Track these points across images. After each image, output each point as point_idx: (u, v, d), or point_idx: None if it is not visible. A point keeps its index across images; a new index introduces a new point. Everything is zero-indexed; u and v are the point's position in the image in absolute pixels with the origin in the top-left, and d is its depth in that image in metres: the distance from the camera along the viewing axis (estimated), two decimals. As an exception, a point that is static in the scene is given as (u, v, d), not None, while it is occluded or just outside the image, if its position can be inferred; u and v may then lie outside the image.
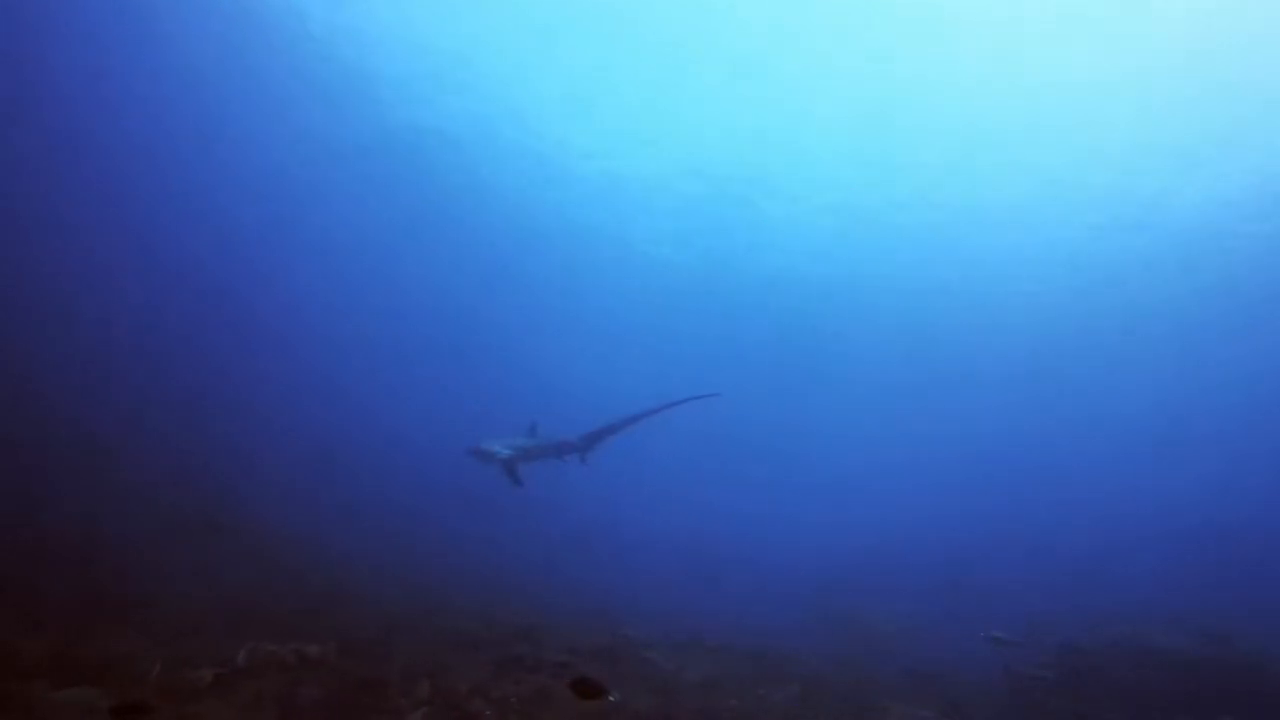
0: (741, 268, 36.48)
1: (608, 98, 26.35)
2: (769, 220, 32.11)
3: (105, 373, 28.09)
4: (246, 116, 28.85)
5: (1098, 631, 10.92)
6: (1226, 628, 10.46)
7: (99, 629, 7.29)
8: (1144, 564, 24.93)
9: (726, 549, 26.78)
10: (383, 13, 22.83)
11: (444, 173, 32.24)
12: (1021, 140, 24.81)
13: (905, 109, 24.58)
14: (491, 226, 36.79)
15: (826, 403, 48.11)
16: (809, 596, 18.07)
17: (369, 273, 43.14)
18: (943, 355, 40.19)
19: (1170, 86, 21.29)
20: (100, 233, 36.08)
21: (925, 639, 14.54)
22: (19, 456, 13.40)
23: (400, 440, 34.16)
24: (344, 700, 7.13)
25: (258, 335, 44.47)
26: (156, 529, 12.55)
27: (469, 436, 11.62)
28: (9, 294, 29.21)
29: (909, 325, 37.89)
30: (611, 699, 7.08)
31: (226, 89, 27.11)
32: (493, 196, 33.86)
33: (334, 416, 39.29)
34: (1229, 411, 37.10)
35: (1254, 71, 19.98)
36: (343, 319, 47.69)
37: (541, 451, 11.55)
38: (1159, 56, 20.59)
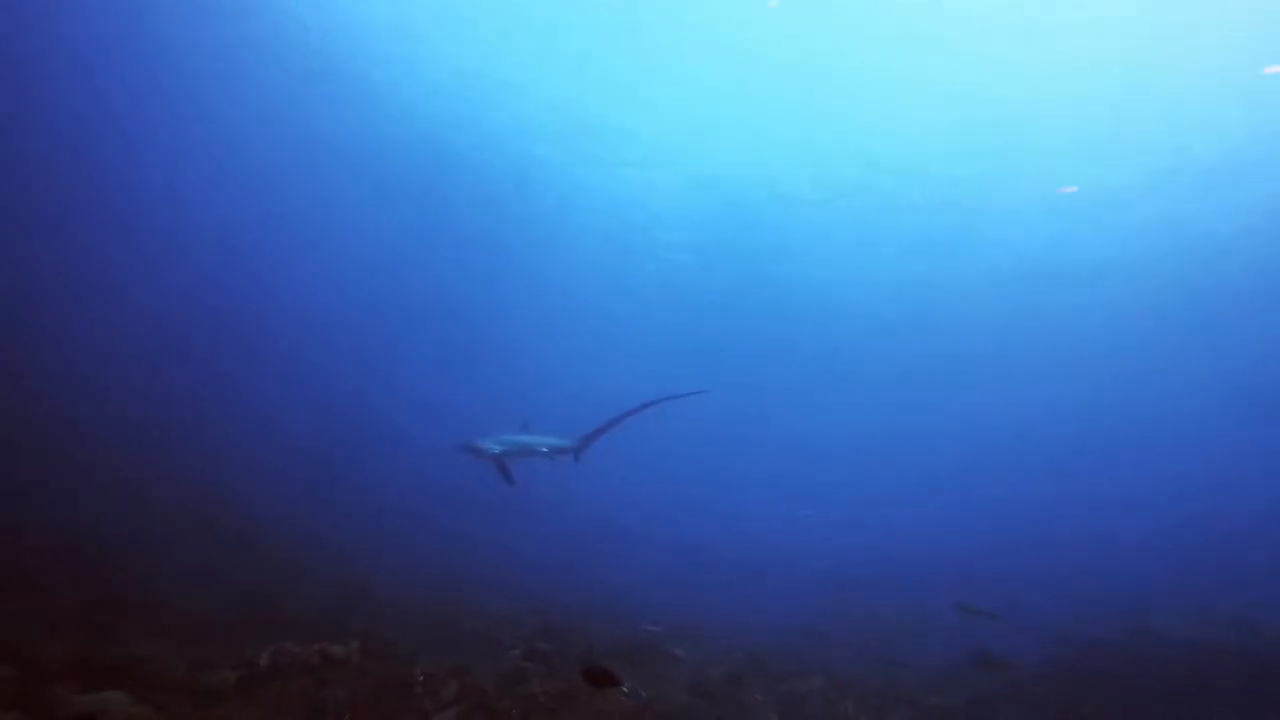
0: (750, 267, 36.25)
1: (615, 94, 26.09)
2: (779, 219, 32.02)
3: (110, 374, 28.03)
4: (244, 116, 28.62)
5: (1122, 622, 10.78)
6: (1256, 617, 10.33)
7: (119, 631, 7.15)
8: (1169, 555, 24.80)
9: (739, 546, 26.76)
10: (384, 12, 22.68)
11: (446, 175, 32.11)
12: (1029, 137, 24.64)
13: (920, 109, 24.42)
14: (494, 227, 36.64)
15: (836, 401, 47.97)
16: (826, 592, 17.95)
17: (374, 274, 42.94)
18: (951, 353, 40.03)
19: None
20: (101, 235, 36.01)
21: (944, 632, 14.41)
22: (29, 459, 13.27)
23: (406, 442, 34.14)
24: (370, 701, 7.01)
25: (260, 337, 44.42)
26: (168, 531, 12.43)
27: (469, 436, 11.58)
28: (13, 297, 29.13)
29: (918, 323, 37.65)
30: (625, 690, 6.97)
31: (223, 88, 26.90)
32: (494, 195, 33.70)
33: (339, 418, 39.29)
34: (1252, 398, 36.90)
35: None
36: (346, 321, 47.58)
37: (532, 449, 11.54)
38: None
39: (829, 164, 27.83)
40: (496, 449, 11.08)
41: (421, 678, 7.73)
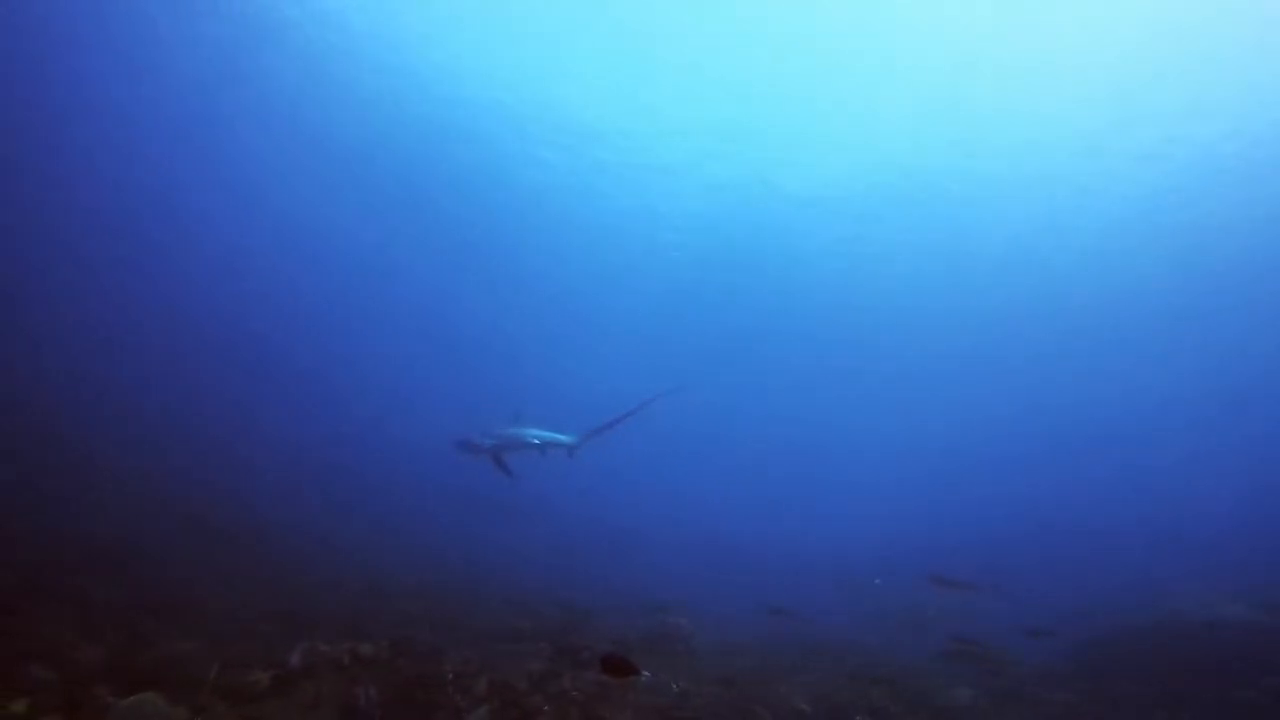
0: (748, 265, 36.10)
1: (610, 93, 25.95)
2: (779, 216, 31.87)
3: (122, 381, 28.19)
4: (239, 119, 28.43)
5: (1157, 606, 10.68)
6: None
7: (151, 633, 7.16)
8: (1200, 538, 24.63)
9: (752, 541, 26.72)
10: (382, 6, 22.47)
11: (445, 170, 31.89)
12: (1030, 124, 24.39)
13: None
14: (484, 226, 36.51)
15: (839, 397, 47.73)
16: (843, 585, 17.88)
17: (372, 278, 42.87)
18: (960, 344, 39.80)
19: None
20: (101, 241, 35.92)
21: (970, 623, 14.31)
22: (56, 468, 13.36)
23: (410, 444, 34.15)
24: (403, 699, 7.00)
25: (259, 343, 44.36)
26: (190, 535, 12.48)
27: (463, 431, 11.64)
28: (35, 310, 29.30)
29: (927, 314, 37.40)
30: (644, 677, 6.92)
31: (217, 92, 26.69)
32: (485, 195, 33.55)
33: (340, 421, 39.35)
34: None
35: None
36: (344, 325, 47.62)
37: (526, 442, 11.54)
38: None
39: (829, 162, 27.84)
40: (488, 443, 11.21)
41: (451, 675, 7.72)
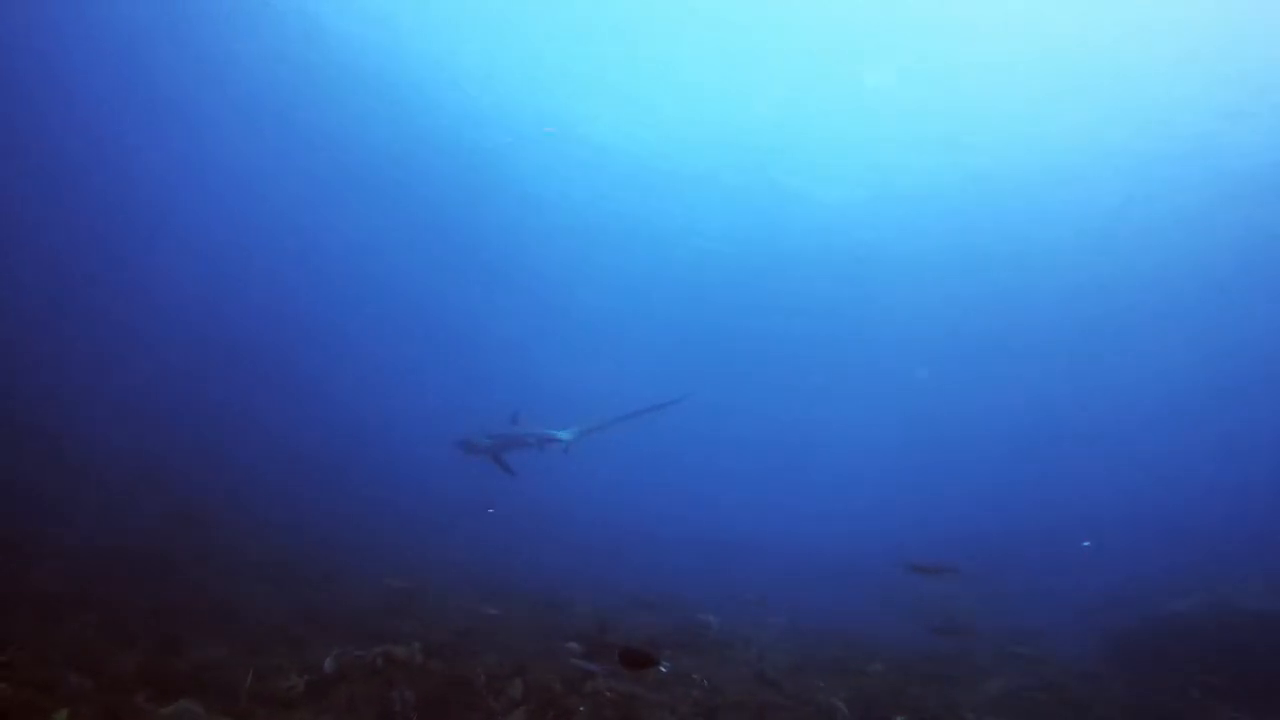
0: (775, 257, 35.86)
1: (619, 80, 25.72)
2: (780, 213, 31.68)
3: (125, 384, 28.20)
4: (231, 121, 28.34)
5: (1191, 597, 10.47)
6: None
7: (184, 641, 7.10)
8: (1236, 527, 24.28)
9: (774, 539, 26.53)
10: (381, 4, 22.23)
11: (446, 174, 31.79)
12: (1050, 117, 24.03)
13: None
14: (495, 224, 36.45)
15: (848, 392, 47.43)
16: (870, 577, 17.67)
17: (376, 276, 42.80)
18: (976, 332, 39.47)
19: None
20: (97, 243, 35.80)
21: (999, 615, 14.13)
22: (74, 476, 13.37)
23: (417, 450, 34.02)
24: (438, 702, 6.91)
25: (257, 345, 44.14)
26: (205, 538, 12.46)
27: (463, 431, 11.90)
28: (54, 318, 29.31)
29: (949, 301, 37.06)
30: (663, 668, 6.80)
31: (206, 92, 26.64)
32: (491, 193, 33.45)
33: (344, 426, 39.26)
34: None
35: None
36: (344, 328, 47.60)
37: (522, 440, 11.79)
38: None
39: (830, 158, 27.63)
40: (487, 442, 11.47)
41: (484, 677, 7.62)
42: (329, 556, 14.03)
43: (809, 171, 28.57)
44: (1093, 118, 23.41)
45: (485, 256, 39.79)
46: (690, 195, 31.92)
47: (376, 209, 35.57)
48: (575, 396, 32.51)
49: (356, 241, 39.09)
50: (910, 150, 26.58)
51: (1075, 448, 43.15)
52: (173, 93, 26.88)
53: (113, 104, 27.73)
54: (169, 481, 16.13)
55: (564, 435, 11.90)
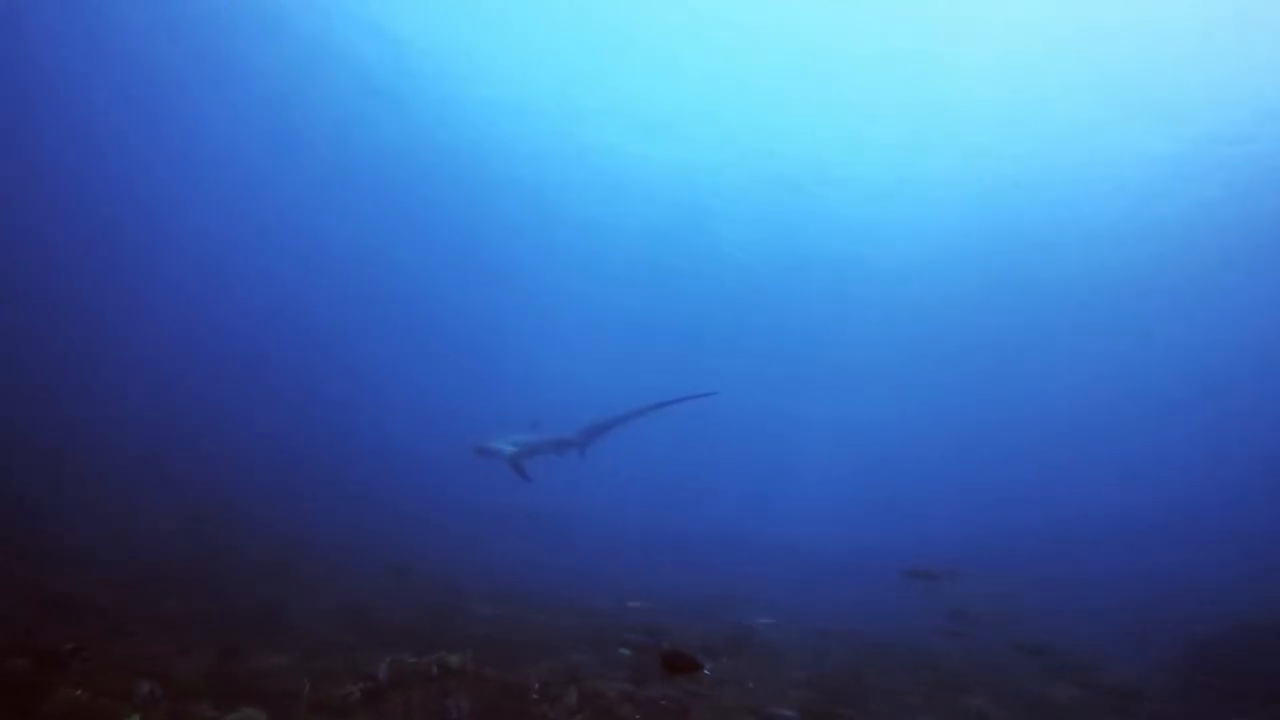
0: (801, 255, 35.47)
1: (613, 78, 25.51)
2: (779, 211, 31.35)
3: (140, 389, 28.59)
4: (229, 120, 28.17)
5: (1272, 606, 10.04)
6: None
7: (241, 647, 7.14)
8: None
9: (811, 542, 26.21)
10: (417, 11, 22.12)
11: (449, 174, 31.71)
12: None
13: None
14: (496, 224, 36.40)
15: (864, 390, 46.80)
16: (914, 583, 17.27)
17: (386, 281, 42.86)
18: (987, 329, 38.80)
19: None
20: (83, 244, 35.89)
21: (1053, 620, 13.73)
22: (98, 481, 13.61)
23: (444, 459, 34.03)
24: (494, 710, 6.85)
25: (258, 350, 44.40)
26: (264, 551, 12.59)
27: (482, 438, 11.86)
28: (91, 335, 29.82)
29: (944, 304, 36.50)
30: (707, 671, 6.68)
31: (203, 93, 26.40)
32: (494, 192, 33.40)
33: (361, 434, 39.50)
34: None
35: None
36: (365, 335, 47.85)
37: (543, 447, 11.77)
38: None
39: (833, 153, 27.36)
40: (509, 449, 11.37)
41: (537, 685, 7.55)
42: (368, 564, 14.09)
43: (815, 172, 28.33)
44: (1089, 117, 23.20)
45: (490, 257, 39.59)
46: (696, 198, 31.76)
47: (388, 211, 35.52)
48: (582, 397, 32.55)
49: (372, 246, 39.02)
50: (909, 152, 26.37)
51: (1085, 445, 42.43)
52: (174, 92, 26.64)
53: (115, 104, 27.52)
54: (190, 487, 16.25)
55: (578, 439, 11.89)
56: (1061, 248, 29.87)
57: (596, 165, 29.93)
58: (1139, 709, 8.88)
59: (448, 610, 10.80)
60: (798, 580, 18.88)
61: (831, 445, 50.29)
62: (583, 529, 24.01)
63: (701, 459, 46.81)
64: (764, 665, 9.55)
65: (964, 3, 20.19)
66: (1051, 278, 32.19)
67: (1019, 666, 10.05)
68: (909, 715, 7.88)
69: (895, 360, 42.30)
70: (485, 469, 12.21)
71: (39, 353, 27.92)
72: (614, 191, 31.86)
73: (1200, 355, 35.25)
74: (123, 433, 21.22)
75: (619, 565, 18.55)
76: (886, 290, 36.25)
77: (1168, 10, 18.89)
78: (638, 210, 33.09)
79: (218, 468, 20.45)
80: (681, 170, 29.53)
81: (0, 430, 16.06)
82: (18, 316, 29.03)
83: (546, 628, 10.54)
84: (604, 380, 43.05)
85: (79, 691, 4.35)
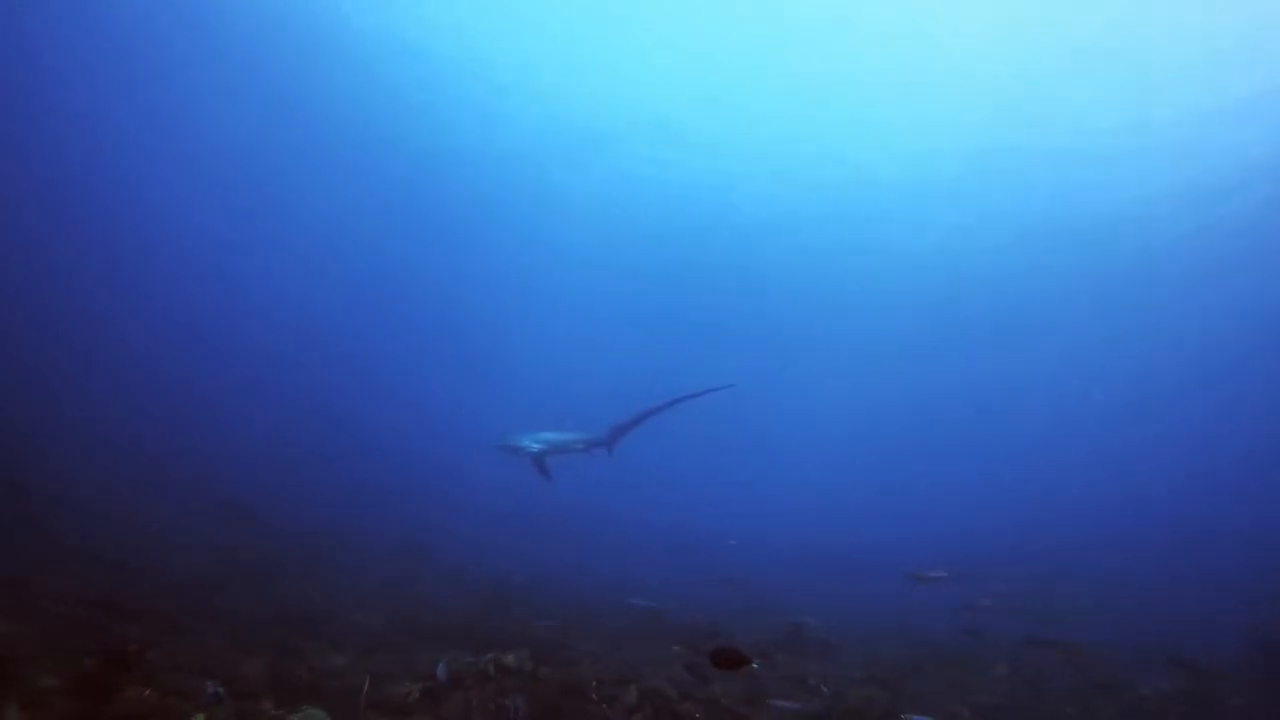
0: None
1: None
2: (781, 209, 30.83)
3: (166, 390, 28.87)
4: (235, 117, 27.78)
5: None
6: None
7: (301, 646, 7.10)
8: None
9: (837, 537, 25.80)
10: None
11: (445, 168, 31.53)
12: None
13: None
14: (491, 228, 36.25)
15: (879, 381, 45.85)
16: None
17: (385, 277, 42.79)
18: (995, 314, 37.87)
19: None
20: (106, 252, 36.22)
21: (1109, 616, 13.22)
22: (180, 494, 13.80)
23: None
24: (553, 710, 6.71)
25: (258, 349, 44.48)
26: (315, 551, 12.67)
27: (507, 435, 11.95)
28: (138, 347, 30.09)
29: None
30: (756, 666, 6.47)
31: (210, 88, 26.00)
32: (492, 193, 33.28)
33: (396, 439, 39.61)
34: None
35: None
36: (389, 341, 47.89)
37: (568, 445, 11.81)
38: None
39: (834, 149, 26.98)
40: (535, 447, 11.48)
41: (594, 683, 7.41)
42: (413, 562, 14.15)
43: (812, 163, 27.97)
44: (1086, 114, 23.04)
45: (505, 258, 39.41)
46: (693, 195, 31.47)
47: (399, 209, 35.47)
48: (593, 393, 32.36)
49: (387, 249, 38.86)
50: (898, 140, 26.13)
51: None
52: (181, 92, 26.29)
53: (118, 105, 27.38)
54: (214, 485, 16.31)
55: (605, 439, 11.84)
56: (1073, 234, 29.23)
57: (603, 163, 29.83)
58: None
59: (496, 609, 10.74)
60: (823, 579, 18.51)
61: (831, 444, 49.46)
62: (606, 529, 23.84)
63: (700, 460, 46.23)
64: (819, 661, 9.30)
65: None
66: (1060, 265, 31.48)
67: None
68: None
69: (902, 351, 41.53)
70: (508, 469, 12.22)
71: (55, 356, 28.24)
72: (620, 188, 31.73)
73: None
74: (139, 433, 21.47)
75: (641, 563, 18.39)
76: (891, 280, 35.70)
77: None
78: (641, 210, 32.94)
79: (235, 467, 20.57)
80: (686, 170, 29.32)
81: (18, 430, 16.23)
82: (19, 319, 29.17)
83: (595, 626, 10.41)
84: (611, 376, 42.76)
85: (147, 691, 4.31)
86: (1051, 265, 31.28)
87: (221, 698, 5.10)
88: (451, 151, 30.09)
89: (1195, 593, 16.43)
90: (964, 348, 39.91)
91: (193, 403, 31.86)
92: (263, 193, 34.01)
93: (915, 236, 31.70)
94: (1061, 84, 22.07)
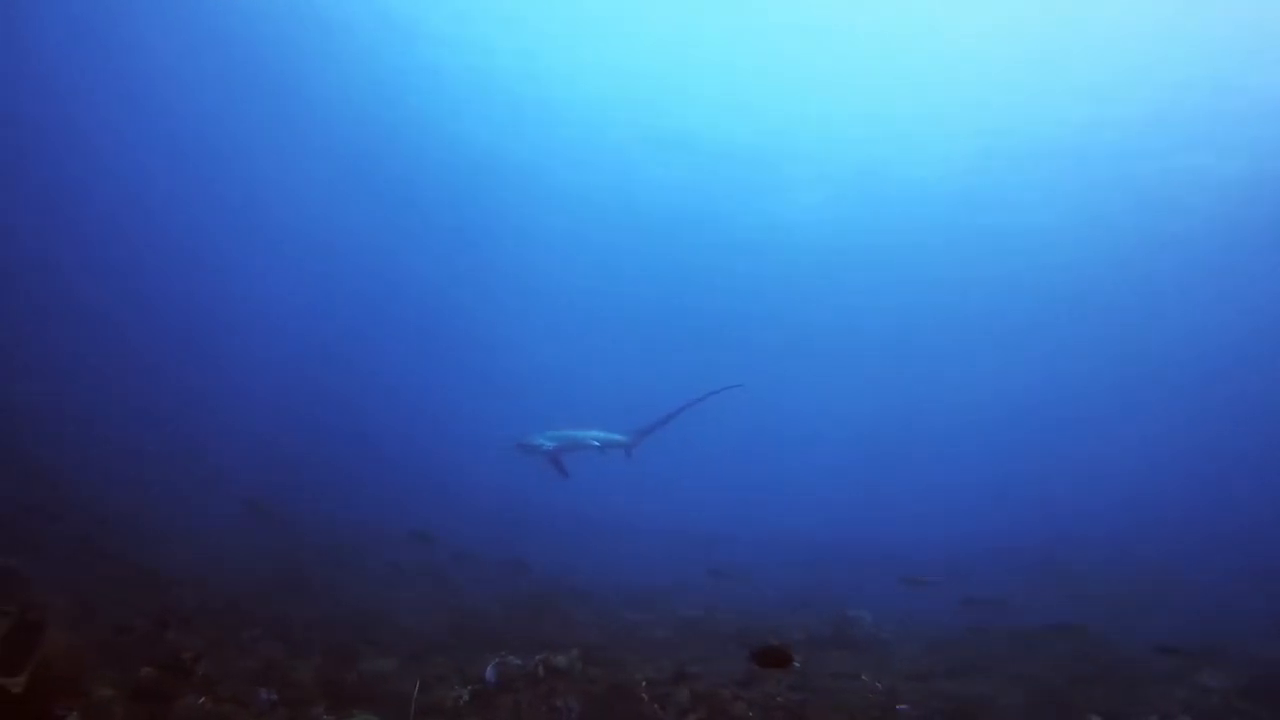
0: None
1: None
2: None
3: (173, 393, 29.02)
4: (226, 113, 27.75)
5: None
6: None
7: (350, 651, 7.11)
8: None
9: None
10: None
11: (446, 169, 31.50)
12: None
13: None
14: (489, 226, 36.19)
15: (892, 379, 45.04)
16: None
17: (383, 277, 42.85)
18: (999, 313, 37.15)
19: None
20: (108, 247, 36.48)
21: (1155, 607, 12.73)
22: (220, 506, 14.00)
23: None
24: (605, 711, 6.61)
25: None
26: (359, 556, 12.77)
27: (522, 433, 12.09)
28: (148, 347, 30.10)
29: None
30: (796, 665, 6.31)
31: (197, 83, 25.86)
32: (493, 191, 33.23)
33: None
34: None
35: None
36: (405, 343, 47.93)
37: (584, 444, 11.92)
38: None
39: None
40: (550, 445, 11.62)
41: (644, 683, 7.29)
42: (458, 564, 14.13)
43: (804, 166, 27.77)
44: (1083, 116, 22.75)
45: (496, 256, 39.23)
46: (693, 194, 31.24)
47: (402, 212, 35.51)
48: (620, 399, 32.13)
49: (388, 250, 38.85)
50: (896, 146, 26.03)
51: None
52: (180, 92, 26.39)
53: (118, 107, 27.66)
54: (239, 485, 16.44)
55: (624, 439, 11.98)
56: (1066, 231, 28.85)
57: (605, 163, 29.73)
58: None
59: (541, 610, 10.68)
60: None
61: (832, 442, 48.65)
62: (636, 529, 23.63)
63: (704, 457, 45.74)
64: (869, 658, 9.07)
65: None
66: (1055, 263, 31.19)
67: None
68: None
69: (901, 350, 41.26)
70: (524, 470, 12.40)
71: (56, 357, 28.39)
72: (624, 193, 31.60)
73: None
74: (150, 439, 21.69)
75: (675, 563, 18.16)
76: (886, 279, 35.43)
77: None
78: (641, 210, 32.74)
79: (249, 468, 20.67)
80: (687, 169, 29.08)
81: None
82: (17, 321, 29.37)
83: (639, 626, 10.30)
84: (610, 376, 42.57)
85: (203, 699, 4.30)
86: (1051, 265, 31.09)
87: (275, 704, 5.10)
88: (454, 151, 30.13)
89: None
90: (989, 347, 39.48)
91: (193, 403, 32.00)
92: (262, 192, 34.17)
93: (915, 237, 31.43)
94: (1062, 83, 21.84)
